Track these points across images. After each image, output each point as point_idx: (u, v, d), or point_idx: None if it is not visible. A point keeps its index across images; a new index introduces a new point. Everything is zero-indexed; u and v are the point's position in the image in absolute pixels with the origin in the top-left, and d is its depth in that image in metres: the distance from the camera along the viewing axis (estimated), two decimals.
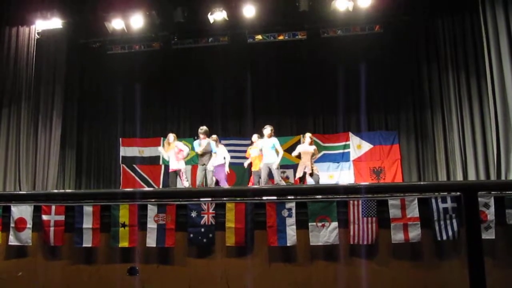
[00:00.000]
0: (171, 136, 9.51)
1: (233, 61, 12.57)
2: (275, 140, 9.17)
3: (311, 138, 9.53)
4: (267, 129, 9.19)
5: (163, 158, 11.83)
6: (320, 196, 6.37)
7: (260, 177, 9.34)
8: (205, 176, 9.26)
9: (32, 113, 10.29)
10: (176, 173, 9.34)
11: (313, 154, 9.37)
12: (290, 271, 6.33)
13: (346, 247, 6.30)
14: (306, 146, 9.42)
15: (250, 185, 10.11)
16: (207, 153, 9.21)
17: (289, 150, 11.94)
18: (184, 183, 9.41)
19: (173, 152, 9.33)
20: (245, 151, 12.11)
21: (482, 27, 8.85)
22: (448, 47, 10.11)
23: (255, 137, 9.88)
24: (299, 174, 9.35)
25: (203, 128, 9.41)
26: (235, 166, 11.80)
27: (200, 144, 9.28)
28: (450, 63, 10.05)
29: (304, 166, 9.24)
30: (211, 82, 13.01)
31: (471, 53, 9.72)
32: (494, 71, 8.54)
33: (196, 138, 12.55)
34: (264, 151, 9.17)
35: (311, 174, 9.24)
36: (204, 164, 9.19)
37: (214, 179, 9.32)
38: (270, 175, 9.14)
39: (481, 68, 9.38)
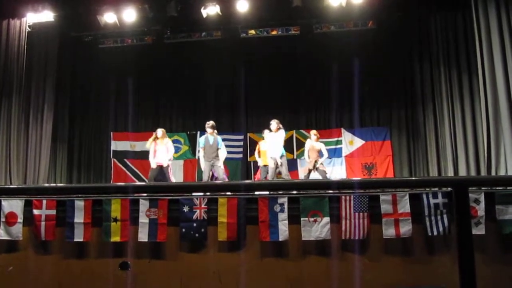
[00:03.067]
0: (160, 131, 9.43)
1: (226, 55, 12.53)
2: (281, 134, 9.20)
3: (316, 135, 9.67)
4: (273, 124, 9.20)
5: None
6: (312, 191, 6.39)
7: (267, 173, 9.38)
8: (211, 171, 9.17)
9: (23, 107, 10.21)
10: (163, 168, 9.23)
11: (319, 151, 9.50)
12: (282, 266, 6.35)
13: (338, 242, 6.33)
14: (313, 142, 9.57)
15: (256, 179, 10.12)
16: (215, 148, 9.14)
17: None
18: (171, 178, 9.35)
19: (164, 148, 9.25)
20: (238, 146, 12.08)
21: (474, 24, 8.90)
22: (440, 44, 10.14)
23: (266, 132, 9.83)
24: (304, 172, 9.58)
25: (210, 122, 9.35)
26: (228, 161, 11.80)
27: (208, 139, 9.19)
28: (442, 60, 10.08)
29: (311, 163, 9.40)
30: (204, 77, 12.96)
31: (463, 50, 9.77)
32: (486, 68, 8.60)
33: (188, 133, 12.54)
34: (270, 145, 9.20)
35: (316, 169, 9.36)
36: (211, 160, 9.07)
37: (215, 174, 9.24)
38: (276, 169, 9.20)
39: (472, 65, 9.43)
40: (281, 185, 2.88)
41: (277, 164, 9.04)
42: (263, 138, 10.00)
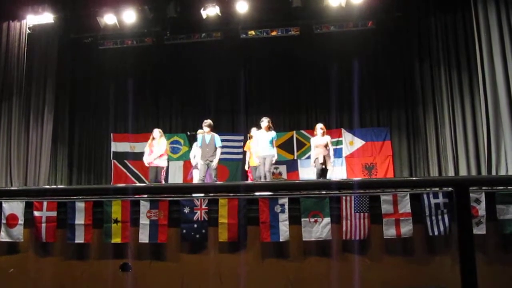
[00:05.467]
0: (157, 132, 9.44)
1: (226, 56, 12.53)
2: (273, 134, 9.02)
3: (323, 129, 9.23)
4: (264, 122, 8.97)
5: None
6: (313, 192, 6.39)
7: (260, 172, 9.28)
8: (207, 170, 9.06)
9: (24, 109, 10.21)
10: (157, 168, 9.26)
11: (326, 145, 9.08)
12: (283, 266, 6.35)
13: (338, 243, 6.33)
14: (318, 138, 9.16)
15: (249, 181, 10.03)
16: (212, 148, 9.01)
17: (282, 146, 11.98)
18: (161, 181, 9.32)
19: (158, 149, 9.26)
20: (238, 147, 12.02)
21: (474, 24, 8.90)
22: (440, 44, 10.14)
23: (254, 131, 9.64)
24: (318, 170, 9.10)
25: (208, 121, 9.23)
26: (228, 161, 11.80)
27: (204, 138, 9.10)
28: (442, 60, 10.08)
29: (316, 157, 9.03)
30: (204, 78, 12.96)
31: (463, 50, 9.77)
32: (486, 68, 8.60)
33: (188, 134, 12.52)
34: (261, 143, 8.95)
35: (323, 164, 8.97)
36: (207, 160, 8.95)
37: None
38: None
39: (472, 65, 9.43)
40: (282, 186, 2.88)
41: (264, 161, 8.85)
42: (250, 137, 9.70)
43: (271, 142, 8.97)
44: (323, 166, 9.00)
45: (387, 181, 4.07)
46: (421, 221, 6.22)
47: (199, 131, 9.48)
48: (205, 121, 9.27)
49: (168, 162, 11.80)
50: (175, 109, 13.22)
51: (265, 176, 8.83)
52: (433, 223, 6.15)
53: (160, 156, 9.28)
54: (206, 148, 9.03)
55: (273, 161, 9.01)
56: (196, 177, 9.52)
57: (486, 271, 5.29)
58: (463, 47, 9.77)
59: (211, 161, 8.94)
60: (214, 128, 9.41)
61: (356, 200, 6.31)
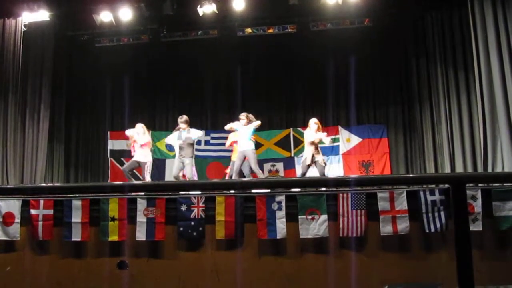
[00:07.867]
0: (140, 127, 9.16)
1: (222, 54, 12.51)
2: (252, 127, 8.52)
3: (317, 124, 8.56)
4: (243, 118, 8.55)
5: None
6: (310, 189, 6.40)
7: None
8: (182, 168, 8.70)
9: (20, 106, 10.16)
10: (139, 163, 8.92)
11: (319, 143, 8.52)
12: (280, 263, 6.36)
13: (335, 240, 6.35)
14: (311, 133, 8.51)
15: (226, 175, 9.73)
16: (189, 143, 8.69)
17: (279, 143, 12.01)
18: (146, 176, 9.07)
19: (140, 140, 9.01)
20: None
21: (470, 21, 8.92)
22: (436, 41, 10.17)
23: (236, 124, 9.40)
24: (303, 169, 8.65)
25: (184, 116, 8.84)
26: (225, 159, 11.79)
27: (180, 135, 8.69)
28: (439, 57, 10.11)
29: (305, 157, 8.49)
30: (201, 75, 12.94)
31: (459, 48, 9.80)
32: (482, 65, 8.63)
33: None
34: (240, 139, 8.56)
35: (315, 163, 8.41)
36: (182, 157, 8.57)
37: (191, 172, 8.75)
38: (244, 167, 8.64)
39: (469, 62, 9.46)
40: (279, 183, 2.87)
41: (243, 160, 8.46)
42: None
43: (250, 137, 8.52)
44: (308, 165, 8.46)
45: (384, 178, 4.09)
46: (418, 218, 6.24)
47: (176, 128, 9.17)
48: (181, 116, 8.87)
49: (165, 160, 11.79)
50: (171, 106, 13.19)
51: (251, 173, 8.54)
52: (430, 220, 6.17)
53: (142, 146, 8.89)
54: (182, 145, 8.67)
55: (252, 155, 8.45)
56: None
57: (482, 268, 5.32)
58: (459, 44, 9.80)
59: (185, 158, 8.57)
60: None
61: (353, 197, 6.33)
